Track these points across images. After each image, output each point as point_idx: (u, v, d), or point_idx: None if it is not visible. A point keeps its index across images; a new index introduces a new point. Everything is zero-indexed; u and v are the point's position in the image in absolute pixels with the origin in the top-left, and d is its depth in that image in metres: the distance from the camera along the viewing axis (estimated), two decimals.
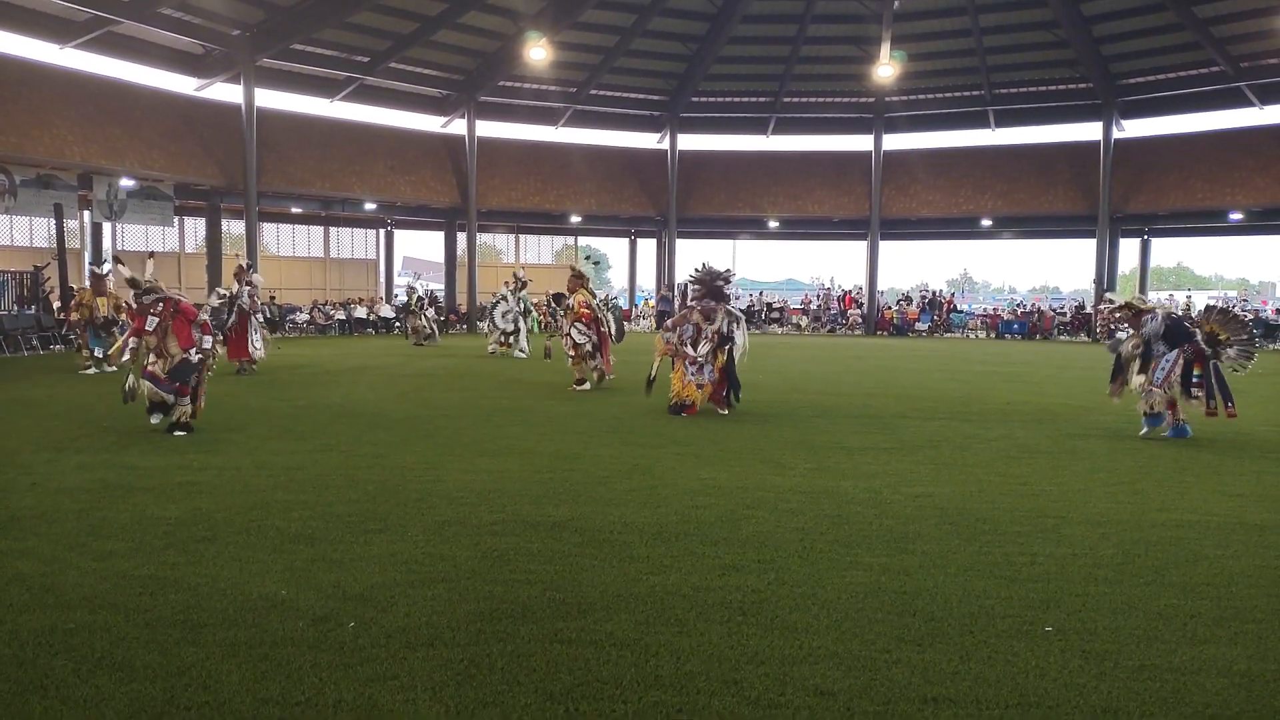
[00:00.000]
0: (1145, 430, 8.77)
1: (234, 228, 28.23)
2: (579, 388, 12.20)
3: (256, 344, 14.25)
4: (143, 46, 23.51)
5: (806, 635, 3.60)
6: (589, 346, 12.28)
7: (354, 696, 3.04)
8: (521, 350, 18.37)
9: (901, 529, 5.21)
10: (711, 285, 10.37)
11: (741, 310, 11.57)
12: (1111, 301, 10.31)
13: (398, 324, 27.42)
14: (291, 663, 3.28)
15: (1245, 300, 37.98)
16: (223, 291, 14.30)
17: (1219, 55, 25.87)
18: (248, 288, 14.35)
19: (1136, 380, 9.02)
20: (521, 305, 19.04)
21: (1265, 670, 3.33)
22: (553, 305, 19.22)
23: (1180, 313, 8.87)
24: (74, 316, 14.62)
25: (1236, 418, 8.68)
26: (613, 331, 12.97)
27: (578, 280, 12.72)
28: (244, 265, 14.96)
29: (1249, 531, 5.25)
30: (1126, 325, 9.19)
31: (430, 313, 23.31)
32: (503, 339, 18.71)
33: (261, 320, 14.81)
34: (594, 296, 13.02)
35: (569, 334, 12.33)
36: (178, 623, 3.64)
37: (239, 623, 3.65)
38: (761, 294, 38.46)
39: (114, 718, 2.90)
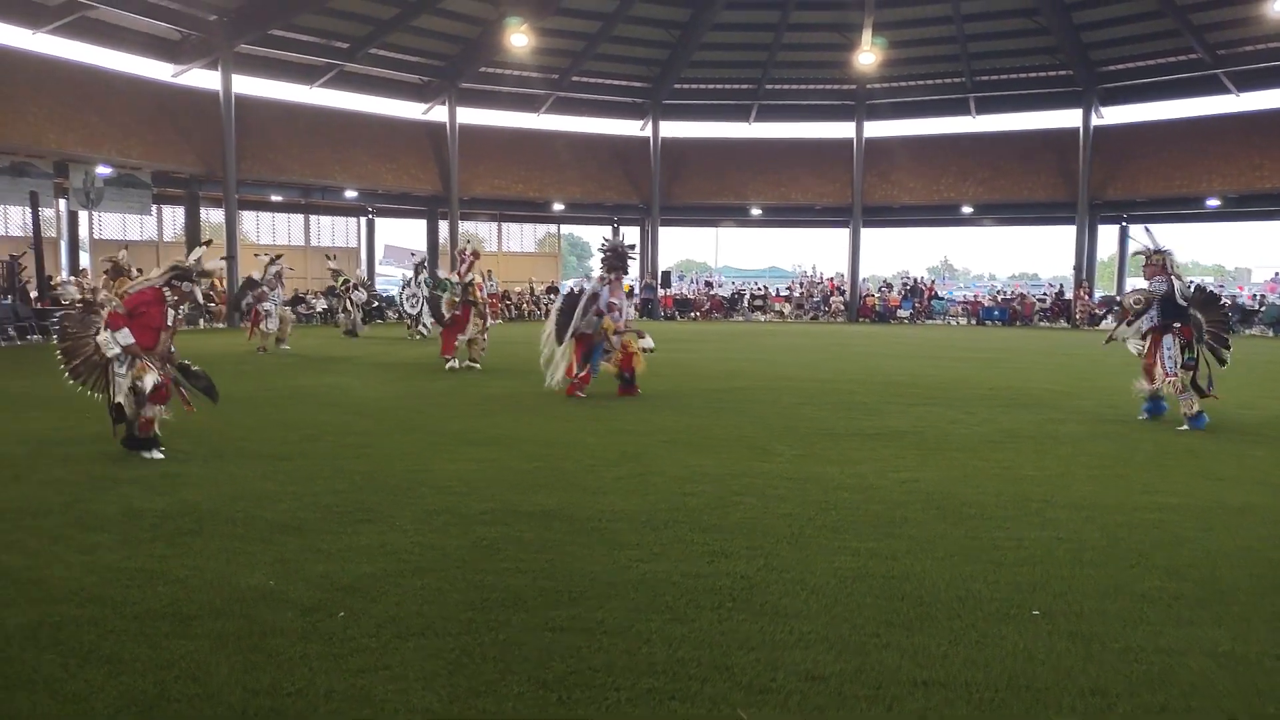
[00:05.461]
0: (1183, 410, 8.54)
1: (213, 216, 27.97)
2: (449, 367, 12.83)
3: (269, 327, 15.80)
4: (118, 32, 23.21)
5: (796, 620, 3.62)
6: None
7: (345, 687, 3.03)
8: (425, 329, 18.23)
9: (888, 514, 5.23)
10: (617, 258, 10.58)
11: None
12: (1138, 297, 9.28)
13: (316, 312, 25.63)
14: (282, 654, 3.27)
15: (1222, 286, 38.34)
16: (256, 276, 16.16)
17: (1197, 43, 26.06)
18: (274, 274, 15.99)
19: (1123, 333, 8.97)
20: (424, 288, 18.00)
21: (1248, 651, 3.38)
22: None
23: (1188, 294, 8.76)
24: None
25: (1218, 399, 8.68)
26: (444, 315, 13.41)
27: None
28: (273, 256, 16.56)
29: (1230, 514, 5.32)
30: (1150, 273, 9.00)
31: (353, 298, 19.79)
32: (410, 324, 19.05)
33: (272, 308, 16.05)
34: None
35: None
36: (166, 615, 3.61)
37: (228, 614, 3.62)
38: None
39: (103, 712, 2.87)
